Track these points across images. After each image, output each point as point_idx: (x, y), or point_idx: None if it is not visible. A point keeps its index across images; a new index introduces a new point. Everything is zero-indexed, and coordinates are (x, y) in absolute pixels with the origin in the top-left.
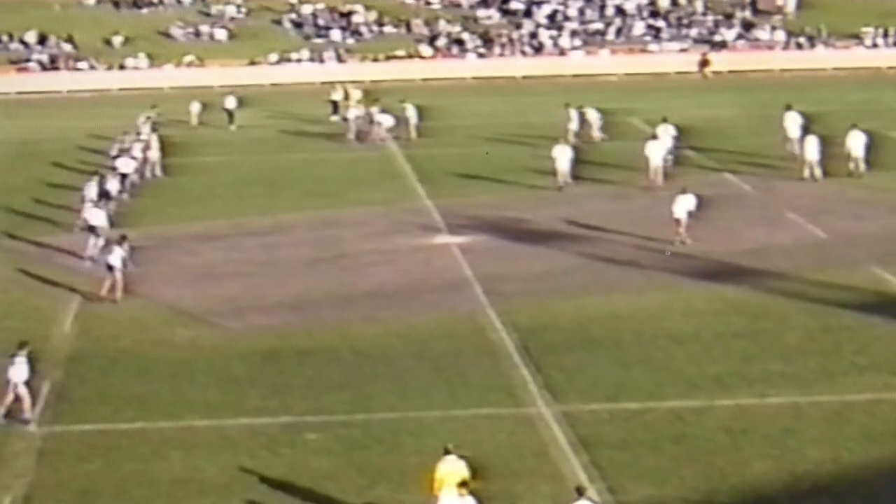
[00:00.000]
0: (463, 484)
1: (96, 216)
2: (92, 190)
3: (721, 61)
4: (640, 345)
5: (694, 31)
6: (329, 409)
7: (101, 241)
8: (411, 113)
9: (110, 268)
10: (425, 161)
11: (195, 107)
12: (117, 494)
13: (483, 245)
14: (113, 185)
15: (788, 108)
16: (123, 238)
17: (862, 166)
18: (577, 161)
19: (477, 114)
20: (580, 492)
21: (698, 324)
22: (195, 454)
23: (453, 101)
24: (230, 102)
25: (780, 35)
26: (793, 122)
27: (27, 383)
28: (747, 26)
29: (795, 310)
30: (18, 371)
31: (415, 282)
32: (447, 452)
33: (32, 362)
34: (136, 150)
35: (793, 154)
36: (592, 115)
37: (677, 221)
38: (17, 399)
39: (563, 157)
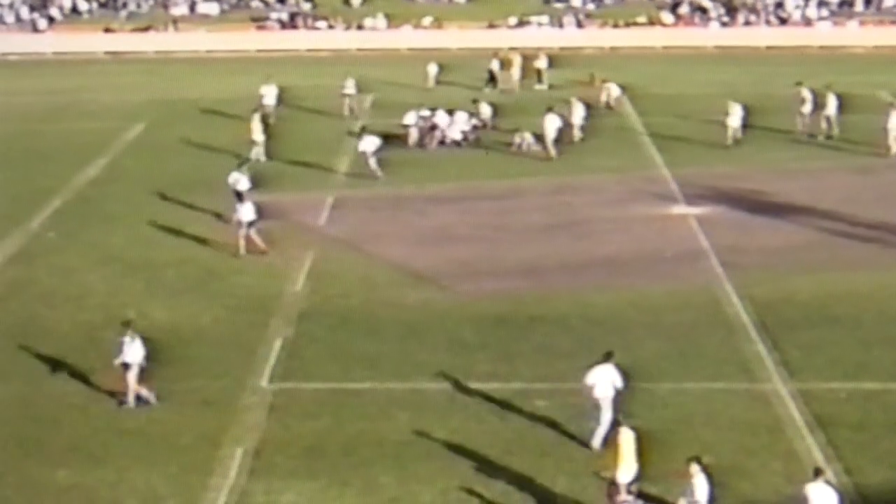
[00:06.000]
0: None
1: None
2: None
3: None
4: (882, 323)
5: None
6: (559, 376)
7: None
8: (578, 112)
9: None
10: (663, 129)
11: (432, 69)
12: (345, 452)
13: (720, 216)
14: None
15: None
16: None
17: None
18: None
19: (717, 82)
20: (818, 473)
21: None
22: (423, 416)
23: (694, 69)
24: (542, 63)
25: None
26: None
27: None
28: None
29: None
30: (131, 352)
31: (650, 251)
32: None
33: (145, 340)
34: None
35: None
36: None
37: None
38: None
39: (735, 114)
